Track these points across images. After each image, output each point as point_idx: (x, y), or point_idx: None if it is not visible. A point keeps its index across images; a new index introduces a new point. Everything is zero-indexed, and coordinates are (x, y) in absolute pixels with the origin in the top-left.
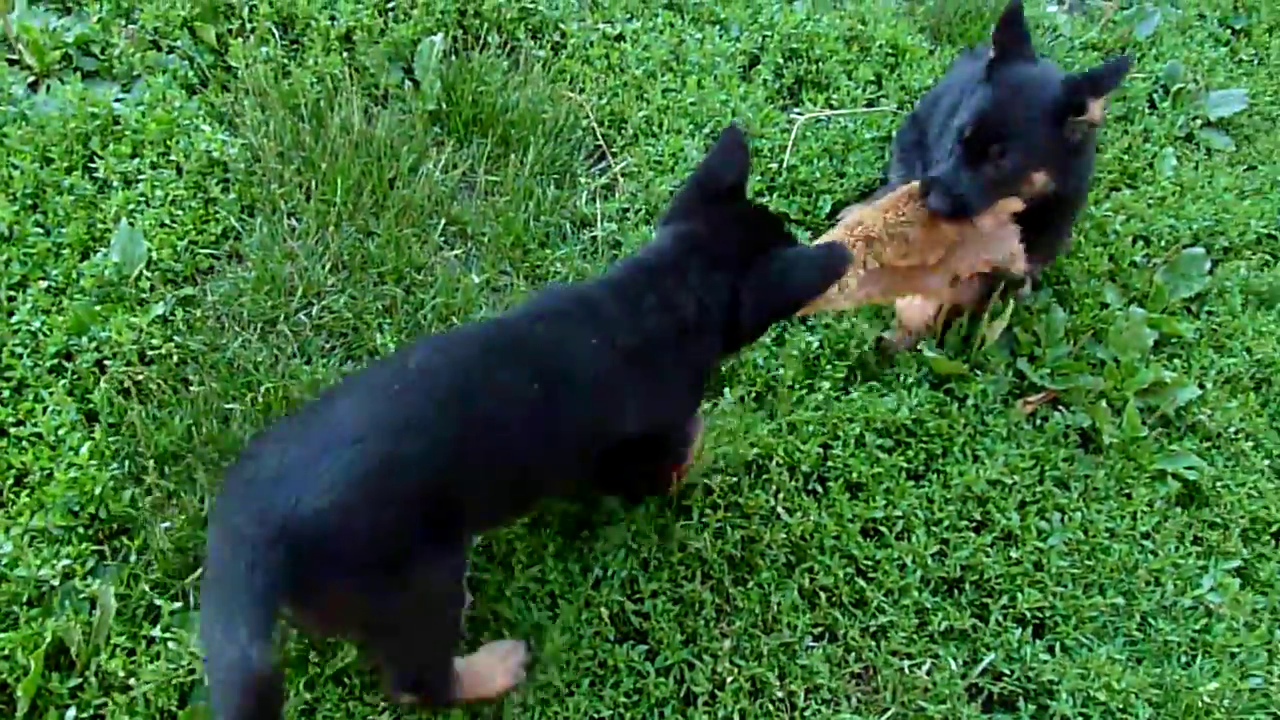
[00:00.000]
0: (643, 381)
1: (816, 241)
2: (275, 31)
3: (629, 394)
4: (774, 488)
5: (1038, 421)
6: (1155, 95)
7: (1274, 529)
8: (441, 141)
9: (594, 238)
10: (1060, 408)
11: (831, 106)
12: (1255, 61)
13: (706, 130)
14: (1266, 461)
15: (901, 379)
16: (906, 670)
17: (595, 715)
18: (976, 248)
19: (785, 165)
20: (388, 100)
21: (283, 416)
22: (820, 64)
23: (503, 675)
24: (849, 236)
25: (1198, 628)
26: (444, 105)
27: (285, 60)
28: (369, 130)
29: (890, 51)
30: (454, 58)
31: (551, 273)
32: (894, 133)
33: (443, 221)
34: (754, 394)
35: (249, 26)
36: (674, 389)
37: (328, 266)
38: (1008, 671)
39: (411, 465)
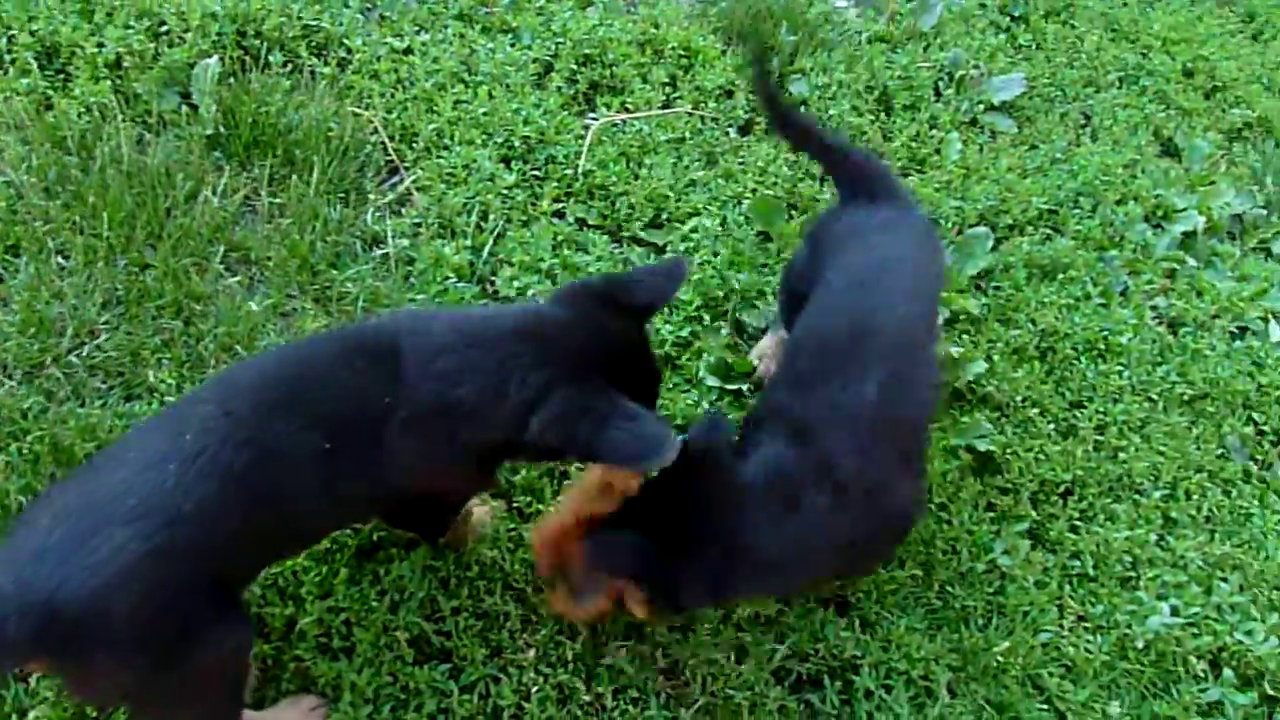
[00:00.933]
0: (415, 442)
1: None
2: (36, 62)
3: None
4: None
5: None
6: (940, 83)
7: (1061, 489)
8: (221, 166)
9: (386, 255)
10: None
11: (627, 110)
12: (1033, 46)
13: (500, 140)
14: (1052, 426)
15: (697, 375)
16: (713, 661)
17: None
18: None
19: (581, 171)
20: (164, 127)
21: (57, 475)
22: (614, 69)
23: None
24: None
25: (992, 590)
26: (223, 129)
27: (49, 91)
28: (141, 159)
29: (684, 54)
30: (233, 80)
31: (342, 293)
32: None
33: (223, 248)
34: None
35: (8, 58)
36: (435, 462)
37: (100, 304)
38: (813, 652)
39: (189, 552)
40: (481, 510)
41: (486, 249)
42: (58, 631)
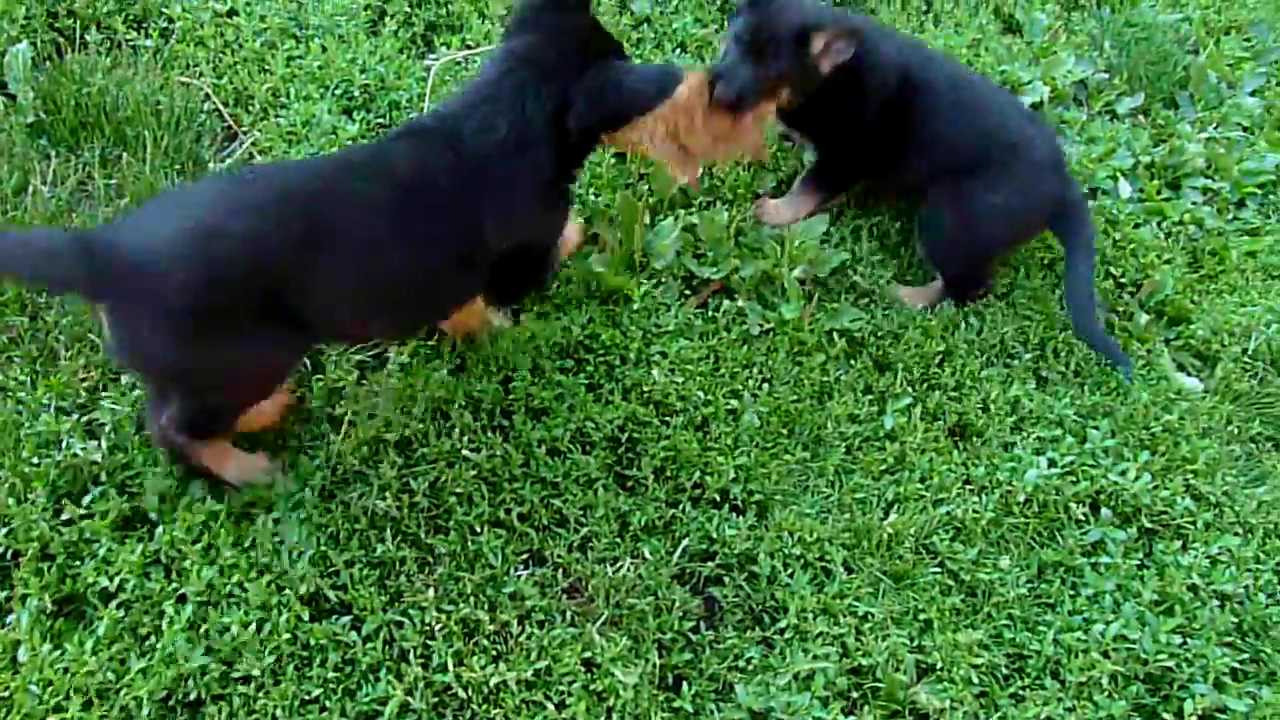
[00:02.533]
0: (489, 200)
1: None
2: None
3: (483, 213)
4: (457, 431)
5: (710, 314)
6: None
7: (936, 360)
8: (48, 154)
9: None
10: (730, 297)
11: (468, 47)
12: None
13: (339, 92)
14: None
15: (572, 301)
16: (613, 574)
17: (306, 698)
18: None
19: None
20: None
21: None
22: (450, 6)
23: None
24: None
25: (883, 467)
26: (44, 115)
27: None
28: None
29: None
30: (49, 63)
31: None
32: None
33: None
34: (427, 348)
35: None
36: (521, 206)
37: None
38: (711, 552)
39: (241, 241)
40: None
41: None
42: (118, 273)
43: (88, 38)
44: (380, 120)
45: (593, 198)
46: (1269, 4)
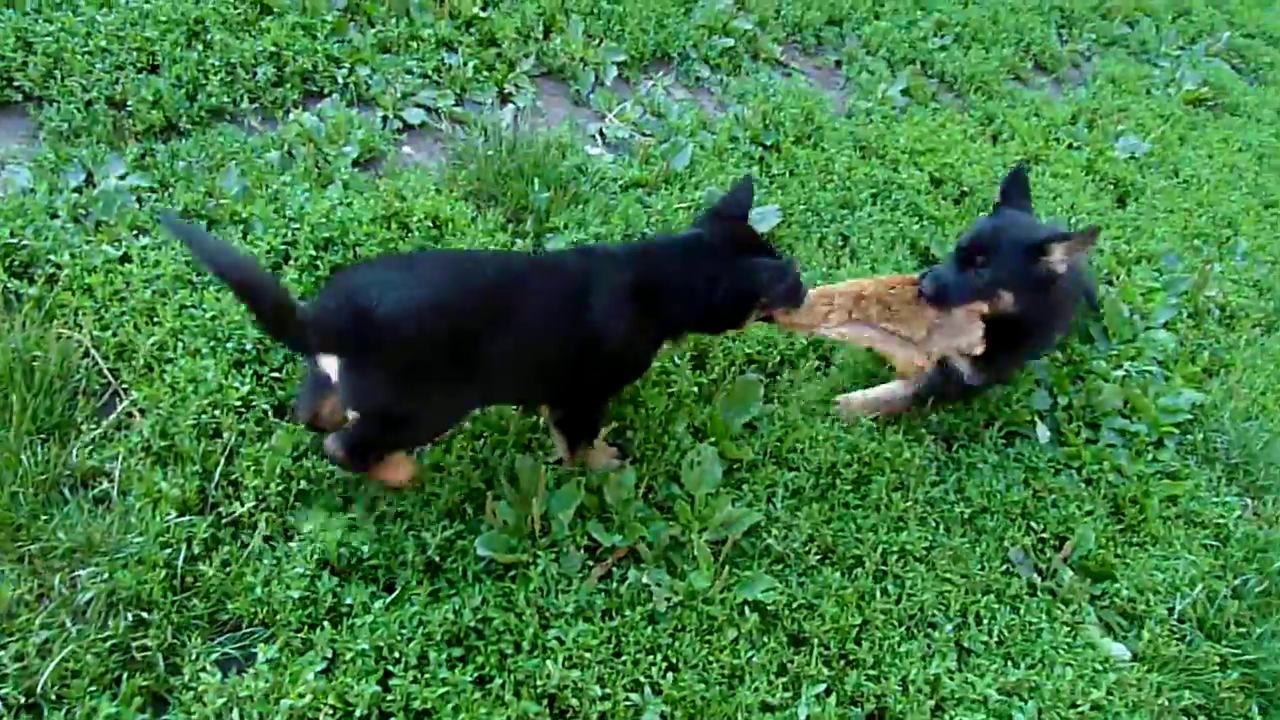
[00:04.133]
0: (628, 324)
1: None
2: None
3: (615, 329)
4: None
5: (614, 586)
6: None
7: (854, 634)
8: None
9: (102, 493)
10: (637, 564)
11: None
12: (787, 174)
13: (231, 345)
14: (838, 574)
15: (465, 576)
16: None
17: None
18: (948, 333)
19: None
20: None
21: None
22: (358, 249)
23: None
24: (845, 291)
25: None
26: None
27: None
28: None
29: (432, 225)
30: None
31: (49, 548)
32: None
33: None
34: (299, 640)
35: None
36: (645, 340)
37: None
38: None
39: (461, 314)
40: (611, 452)
41: (218, 471)
42: (363, 327)
43: None
44: (275, 375)
45: (494, 458)
46: (1176, 235)
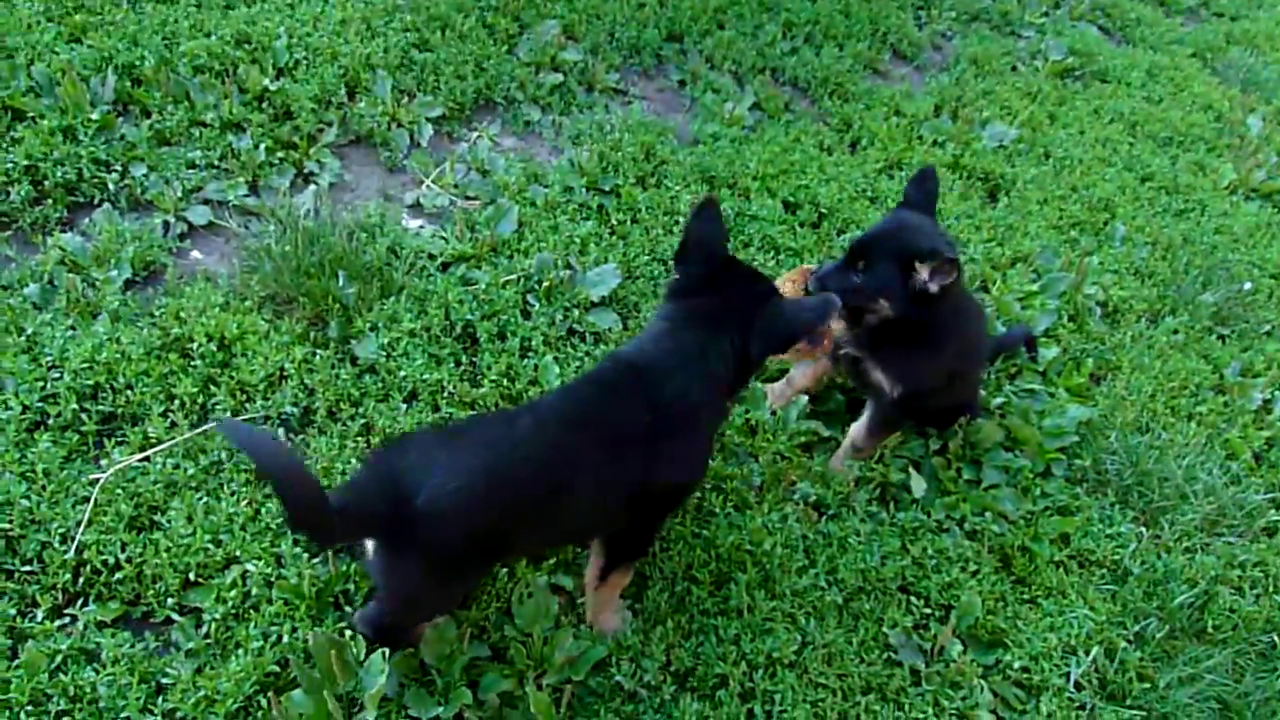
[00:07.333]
0: (676, 446)
1: None
2: None
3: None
4: None
5: None
6: (529, 297)
7: None
8: None
9: None
10: None
11: (147, 446)
12: (628, 221)
13: None
14: (698, 702)
15: None
16: None
17: None
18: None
19: (76, 546)
20: None
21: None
22: (131, 391)
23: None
24: None
25: None
26: None
27: None
28: None
29: (218, 347)
30: None
31: None
32: None
33: None
34: None
35: None
36: (697, 449)
37: None
38: None
39: (500, 509)
40: (623, 605)
41: None
42: (402, 517)
43: None
44: (28, 570)
45: (289, 633)
46: (1051, 229)
